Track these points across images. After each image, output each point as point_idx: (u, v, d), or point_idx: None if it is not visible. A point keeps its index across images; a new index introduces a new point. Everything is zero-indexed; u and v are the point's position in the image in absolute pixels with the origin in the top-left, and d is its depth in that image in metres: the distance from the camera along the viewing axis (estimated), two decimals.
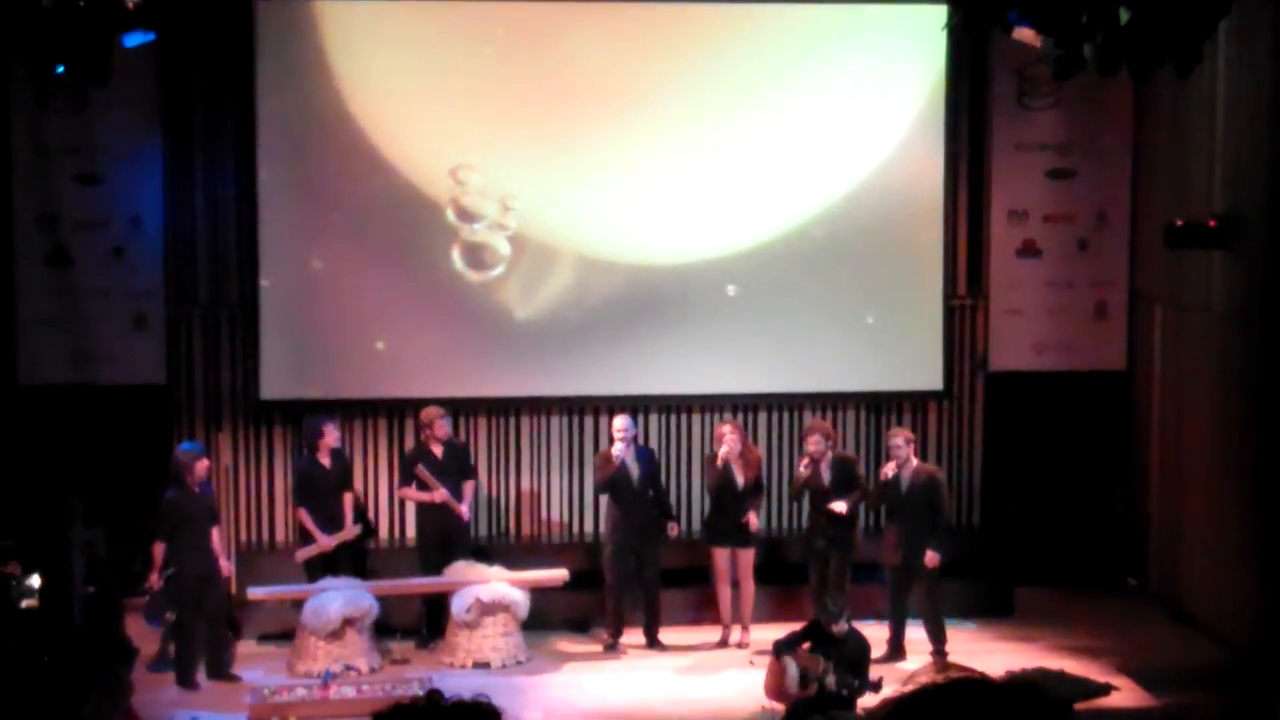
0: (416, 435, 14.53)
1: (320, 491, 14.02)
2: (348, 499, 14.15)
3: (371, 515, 14.97)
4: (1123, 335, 15.92)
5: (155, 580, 13.23)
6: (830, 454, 14.02)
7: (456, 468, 14.33)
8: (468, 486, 14.39)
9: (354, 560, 14.18)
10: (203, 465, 13.36)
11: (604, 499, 14.40)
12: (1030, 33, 12.72)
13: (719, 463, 14.07)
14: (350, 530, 14.06)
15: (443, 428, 14.22)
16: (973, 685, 4.28)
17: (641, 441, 14.75)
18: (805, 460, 13.99)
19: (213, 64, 14.81)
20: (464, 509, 14.27)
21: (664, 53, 15.02)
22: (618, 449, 14.04)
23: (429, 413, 14.27)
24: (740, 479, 14.06)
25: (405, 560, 14.51)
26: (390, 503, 15.09)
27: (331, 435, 14.11)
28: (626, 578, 14.10)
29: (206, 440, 14.84)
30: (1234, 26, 13.09)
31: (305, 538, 14.05)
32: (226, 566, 13.66)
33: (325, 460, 14.08)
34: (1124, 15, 11.54)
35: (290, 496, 14.55)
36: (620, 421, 14.23)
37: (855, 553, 14.09)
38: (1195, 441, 14.66)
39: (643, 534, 14.09)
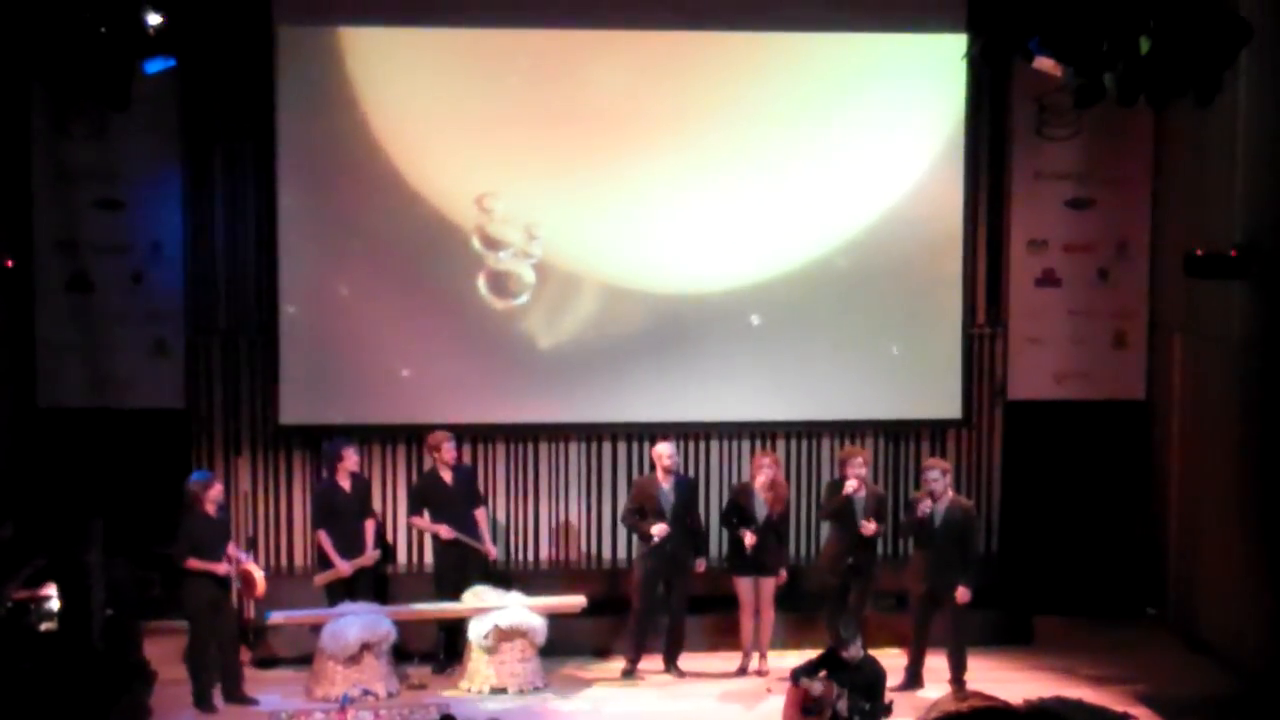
0: (429, 460, 14.49)
1: (339, 515, 14.01)
2: (369, 525, 14.14)
3: (390, 540, 15.00)
4: (1142, 365, 15.89)
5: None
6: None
7: (466, 493, 14.32)
8: (480, 516, 14.35)
9: (374, 585, 14.18)
10: (215, 490, 13.36)
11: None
12: (1050, 62, 12.72)
13: (750, 532, 13.94)
14: (369, 556, 14.05)
15: (450, 451, 14.22)
16: (994, 714, 4.31)
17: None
18: (855, 483, 13.91)
19: (234, 90, 14.85)
20: (490, 548, 14.31)
21: (687, 82, 15.04)
22: (658, 528, 13.81)
23: (436, 436, 14.26)
24: (767, 510, 14.03)
25: (423, 585, 14.49)
26: (409, 528, 15.07)
27: (350, 459, 14.10)
28: (653, 604, 14.06)
29: (225, 465, 14.89)
30: (1255, 56, 13.08)
31: (324, 561, 14.05)
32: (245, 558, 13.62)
33: (345, 483, 14.08)
34: (1144, 45, 11.55)
35: (309, 520, 14.54)
36: (664, 448, 14.14)
37: (876, 581, 14.12)
38: (1214, 471, 14.64)
39: (673, 562, 14.03)
